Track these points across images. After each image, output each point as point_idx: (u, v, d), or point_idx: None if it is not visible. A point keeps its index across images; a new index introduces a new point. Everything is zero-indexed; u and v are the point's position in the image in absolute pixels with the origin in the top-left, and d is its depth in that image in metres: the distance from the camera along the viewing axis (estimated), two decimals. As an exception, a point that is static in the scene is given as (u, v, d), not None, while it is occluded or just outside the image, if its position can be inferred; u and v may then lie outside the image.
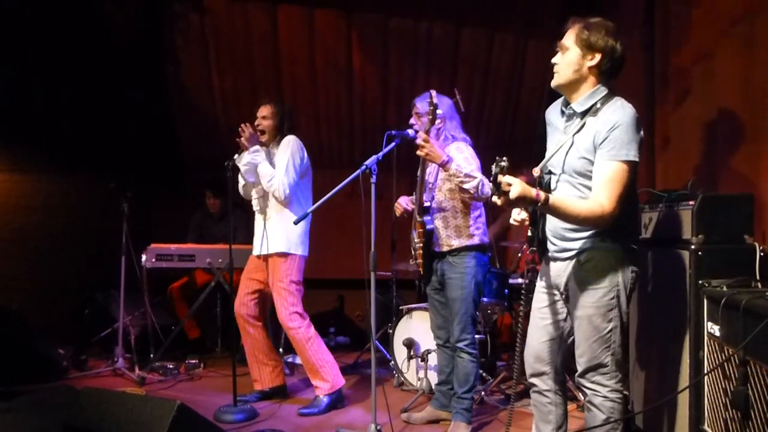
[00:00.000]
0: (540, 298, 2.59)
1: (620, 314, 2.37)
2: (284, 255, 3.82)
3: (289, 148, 3.82)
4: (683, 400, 2.68)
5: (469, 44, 5.44)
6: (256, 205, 3.98)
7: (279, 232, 3.82)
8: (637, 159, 2.26)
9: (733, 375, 2.33)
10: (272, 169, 3.80)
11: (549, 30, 5.08)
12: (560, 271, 2.47)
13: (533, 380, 2.60)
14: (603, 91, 2.35)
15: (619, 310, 2.36)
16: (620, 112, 2.28)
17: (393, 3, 5.19)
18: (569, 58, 2.36)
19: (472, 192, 3.23)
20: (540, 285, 2.60)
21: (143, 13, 5.24)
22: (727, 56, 3.42)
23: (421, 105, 3.37)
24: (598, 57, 2.32)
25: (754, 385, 2.21)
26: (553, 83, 2.43)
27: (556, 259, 2.49)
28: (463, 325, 3.38)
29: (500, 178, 2.08)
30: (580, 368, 2.43)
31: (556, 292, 2.51)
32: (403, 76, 5.58)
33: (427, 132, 3.17)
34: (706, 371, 2.54)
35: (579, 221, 2.28)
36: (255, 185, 3.91)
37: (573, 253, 2.40)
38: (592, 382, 2.40)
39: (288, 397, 4.11)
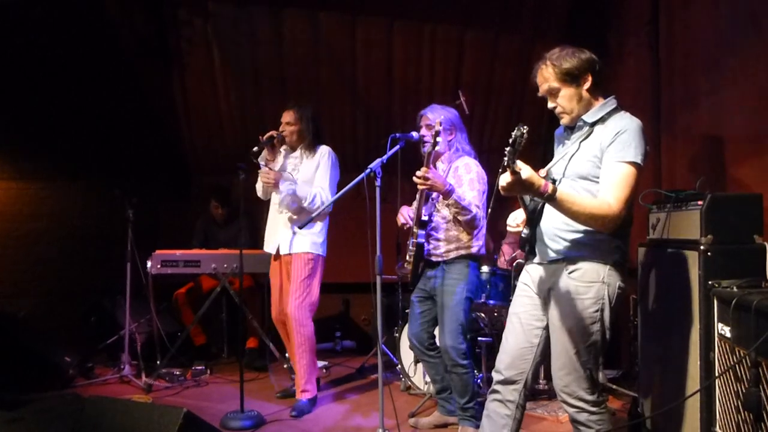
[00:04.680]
0: (522, 302, 2.51)
1: (602, 329, 2.31)
2: (312, 253, 3.92)
3: (328, 163, 3.96)
4: (694, 403, 2.65)
5: (474, 48, 5.43)
6: (278, 206, 4.01)
7: (306, 232, 3.90)
8: (642, 164, 2.26)
9: (744, 377, 2.30)
10: (308, 189, 3.86)
11: (555, 34, 5.06)
12: (546, 276, 2.42)
13: (499, 387, 2.47)
14: (612, 104, 2.39)
15: (602, 325, 2.31)
16: (628, 120, 2.33)
17: (398, 6, 5.18)
18: (567, 95, 2.36)
19: (463, 223, 3.32)
20: (523, 288, 2.53)
21: (148, 19, 5.24)
22: (733, 55, 3.40)
23: (432, 116, 3.41)
24: (589, 77, 2.35)
25: (767, 386, 2.18)
26: (567, 122, 2.43)
27: (542, 263, 2.45)
28: (453, 333, 3.33)
29: (515, 164, 2.03)
30: (558, 381, 2.36)
31: (538, 297, 2.46)
32: (407, 79, 5.57)
33: (429, 155, 3.21)
34: (717, 373, 2.51)
35: (585, 218, 2.22)
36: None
37: (561, 257, 2.36)
38: (575, 398, 2.33)
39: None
